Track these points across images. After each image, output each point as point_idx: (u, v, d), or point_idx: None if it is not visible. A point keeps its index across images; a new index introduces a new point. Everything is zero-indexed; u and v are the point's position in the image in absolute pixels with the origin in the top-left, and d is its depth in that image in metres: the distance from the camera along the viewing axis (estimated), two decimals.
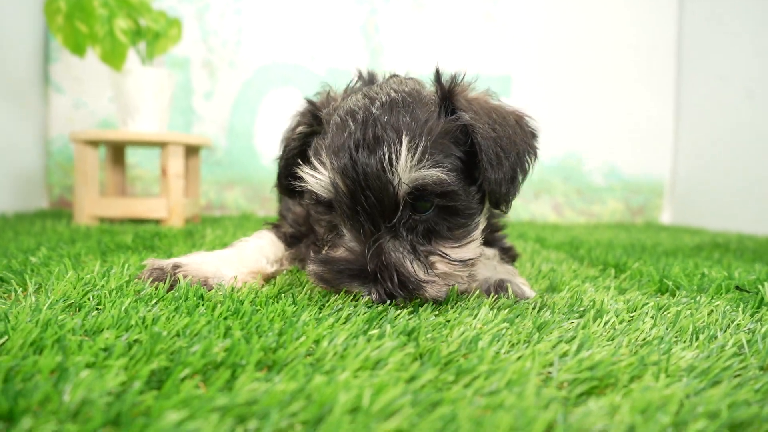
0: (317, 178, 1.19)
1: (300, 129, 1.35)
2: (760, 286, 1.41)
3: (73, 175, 3.50)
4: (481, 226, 1.29)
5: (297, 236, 1.63)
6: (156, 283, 1.24)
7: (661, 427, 0.66)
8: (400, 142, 1.12)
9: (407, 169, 1.12)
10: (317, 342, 0.92)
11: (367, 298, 1.15)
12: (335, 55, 4.06)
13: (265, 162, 4.09)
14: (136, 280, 1.28)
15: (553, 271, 1.72)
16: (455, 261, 1.21)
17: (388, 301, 1.15)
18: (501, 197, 1.23)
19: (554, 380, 0.80)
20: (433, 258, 1.19)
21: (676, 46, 4.44)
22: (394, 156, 1.12)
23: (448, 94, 1.24)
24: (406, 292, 1.13)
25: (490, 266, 1.40)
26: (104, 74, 3.75)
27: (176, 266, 1.28)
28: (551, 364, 0.86)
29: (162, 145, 2.93)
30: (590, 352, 0.89)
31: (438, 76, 1.29)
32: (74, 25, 2.74)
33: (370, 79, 1.43)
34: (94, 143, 2.91)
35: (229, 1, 4.01)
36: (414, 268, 1.14)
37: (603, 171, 4.47)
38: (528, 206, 4.41)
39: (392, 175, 1.12)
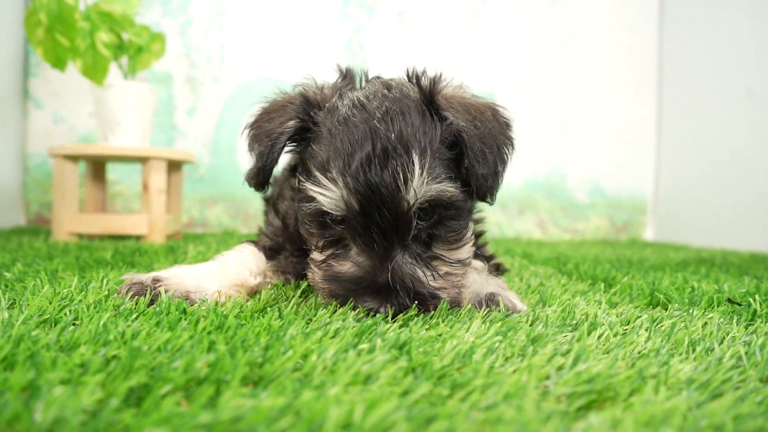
0: (328, 196, 1.18)
1: (292, 123, 1.30)
2: (750, 299, 1.40)
3: (52, 191, 3.43)
4: (471, 227, 1.34)
5: (275, 248, 1.60)
6: (136, 297, 1.19)
7: None
8: (411, 160, 1.14)
9: (422, 185, 1.15)
10: (305, 356, 0.89)
11: (382, 312, 1.15)
12: (320, 72, 4.04)
13: None
14: (115, 295, 1.23)
15: (543, 285, 1.70)
16: (454, 262, 1.26)
17: (384, 314, 1.15)
18: (487, 190, 1.27)
19: (552, 394, 0.77)
20: (435, 262, 1.23)
21: (657, 63, 4.51)
22: (408, 173, 1.14)
23: (430, 96, 1.26)
24: (422, 304, 1.17)
25: (480, 279, 1.38)
26: (84, 89, 3.69)
27: (156, 280, 1.24)
28: (548, 377, 0.84)
29: (144, 160, 2.88)
30: (587, 365, 0.87)
31: (418, 79, 1.32)
32: (55, 39, 2.69)
33: (348, 75, 1.44)
34: (74, 158, 2.85)
35: (213, 17, 3.99)
36: (427, 279, 1.19)
37: (587, 188, 4.49)
38: (513, 223, 4.41)
39: (407, 192, 1.14)
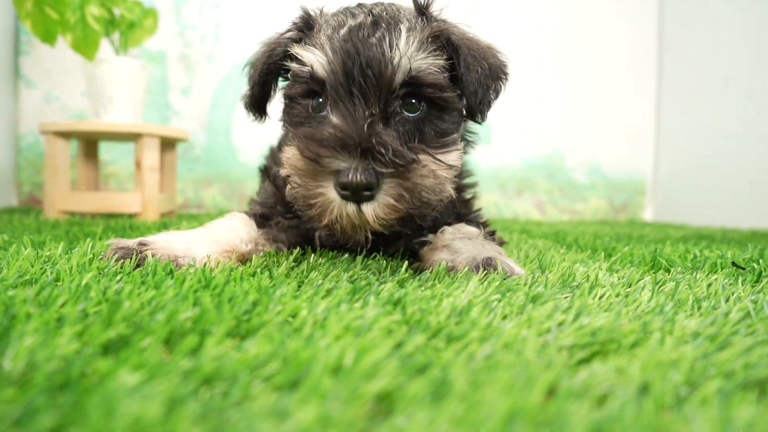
0: (314, 56, 1.17)
1: (290, 34, 1.30)
2: (755, 264, 1.37)
3: (44, 170, 3.37)
4: (461, 141, 1.31)
5: (266, 215, 1.56)
6: (121, 261, 1.15)
7: (675, 384, 0.60)
8: (399, 30, 1.17)
9: (408, 53, 1.15)
10: (295, 314, 0.85)
11: (353, 180, 1.04)
12: None
13: (243, 158, 4.00)
14: (100, 258, 1.19)
15: (541, 254, 1.66)
16: (441, 161, 1.19)
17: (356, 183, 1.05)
18: (476, 105, 1.27)
19: (553, 346, 0.74)
20: (421, 155, 1.14)
21: (657, 43, 4.45)
22: (394, 41, 1.15)
23: (423, 9, 1.31)
24: (395, 166, 1.06)
25: (476, 244, 1.34)
26: (77, 67, 3.63)
27: (142, 244, 1.20)
28: (548, 331, 0.80)
29: (136, 137, 2.83)
30: (589, 320, 0.83)
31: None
32: (44, 11, 2.63)
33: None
34: (65, 135, 2.80)
35: None
36: (404, 150, 1.10)
37: (586, 169, 4.45)
38: (511, 204, 4.37)
39: (393, 54, 1.13)
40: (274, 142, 2.16)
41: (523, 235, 2.45)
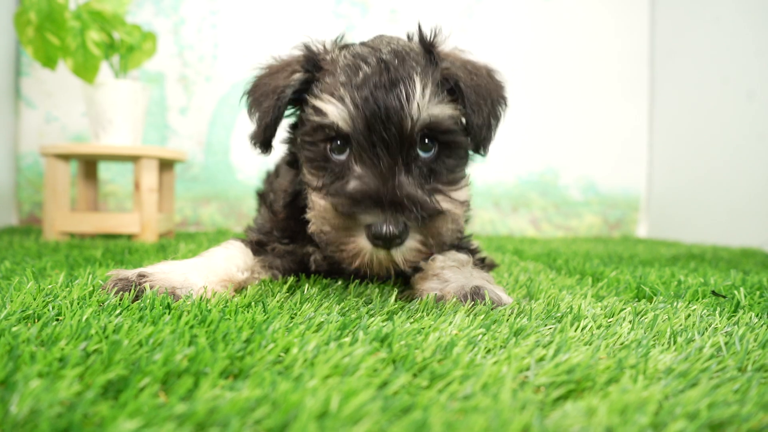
0: (336, 111, 1.23)
1: (297, 76, 1.34)
2: (735, 291, 1.41)
3: (43, 190, 3.42)
4: (469, 176, 1.39)
5: (262, 242, 1.61)
6: (120, 293, 1.19)
7: (640, 428, 0.64)
8: (414, 83, 1.23)
9: (425, 105, 1.23)
10: (287, 350, 0.89)
11: (385, 232, 1.13)
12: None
13: (242, 177, 4.04)
14: (101, 290, 1.23)
15: (531, 280, 1.70)
16: (454, 199, 1.29)
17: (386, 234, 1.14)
18: (481, 141, 1.35)
19: (531, 384, 0.78)
20: (437, 196, 1.26)
21: (649, 61, 4.51)
22: (411, 93, 1.21)
23: (430, 47, 1.36)
24: (429, 218, 1.17)
25: (465, 272, 1.38)
26: (76, 88, 3.68)
27: (141, 276, 1.24)
28: (528, 368, 0.84)
29: (135, 158, 2.88)
30: (567, 356, 0.87)
31: (421, 32, 1.41)
32: (45, 38, 2.69)
33: (343, 37, 1.49)
34: (65, 157, 2.85)
35: (206, 16, 3.98)
36: (429, 199, 1.21)
37: (580, 185, 4.50)
38: (506, 220, 4.42)
39: (410, 109, 1.21)
40: (271, 167, 2.21)
41: (515, 256, 2.50)
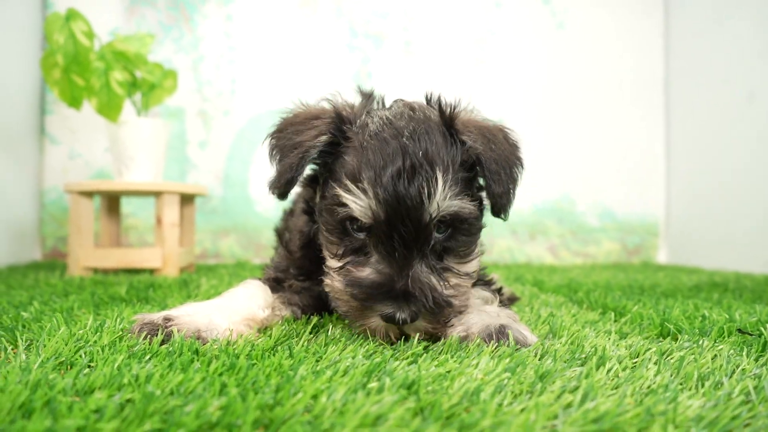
0: (359, 204, 1.26)
1: (324, 138, 1.37)
2: (762, 328, 1.40)
3: (67, 225, 3.49)
4: (480, 244, 1.44)
5: (280, 279, 1.66)
6: (148, 337, 1.22)
7: None
8: (435, 176, 1.25)
9: (444, 199, 1.26)
10: (315, 397, 0.90)
11: (398, 317, 1.23)
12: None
13: (260, 209, 4.09)
14: (129, 335, 1.26)
15: (553, 315, 1.70)
16: (463, 274, 1.35)
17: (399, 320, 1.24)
18: (501, 207, 1.38)
19: None
20: (446, 273, 1.32)
21: (663, 85, 4.52)
22: (432, 188, 1.24)
23: (450, 121, 1.37)
24: (438, 309, 1.25)
25: (491, 312, 1.39)
26: (99, 125, 3.77)
27: (167, 319, 1.26)
28: (555, 417, 0.84)
29: (157, 194, 2.93)
30: (595, 403, 0.87)
31: (440, 105, 1.43)
32: (71, 79, 2.77)
33: (370, 97, 1.52)
34: (89, 194, 2.91)
35: (224, 52, 4.08)
36: (441, 288, 1.27)
37: (597, 212, 4.48)
38: (524, 248, 4.41)
39: (430, 206, 1.24)
40: (287, 205, 2.24)
41: (535, 288, 2.49)
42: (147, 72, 2.99)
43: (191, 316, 1.31)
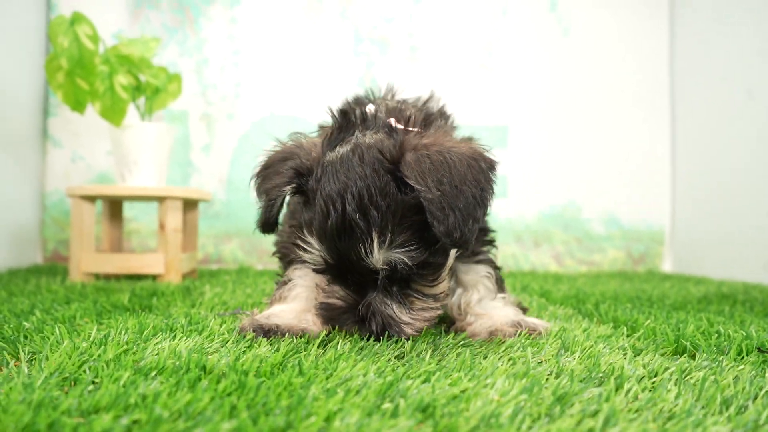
0: (312, 254, 1.41)
1: (287, 189, 1.48)
2: None
3: (68, 229, 3.46)
4: (450, 263, 1.50)
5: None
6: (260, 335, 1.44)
7: None
8: (371, 236, 1.31)
9: (380, 256, 1.33)
10: (328, 420, 0.87)
11: (366, 335, 1.41)
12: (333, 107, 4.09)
13: None
14: (236, 333, 1.48)
15: (563, 329, 1.67)
16: (429, 297, 1.45)
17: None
18: (456, 242, 1.32)
19: None
20: (410, 298, 1.43)
21: (669, 92, 4.49)
22: (368, 248, 1.31)
23: (396, 164, 1.35)
24: (391, 333, 1.40)
25: (502, 312, 1.62)
26: (102, 128, 3.74)
27: (269, 318, 1.54)
28: None
29: (160, 199, 2.91)
30: (617, 430, 0.84)
31: (382, 151, 1.38)
32: (75, 82, 2.74)
33: (343, 119, 1.60)
34: (91, 198, 2.88)
35: (228, 56, 4.05)
36: (397, 313, 1.40)
37: (602, 219, 4.45)
38: (528, 255, 4.37)
39: (371, 260, 1.33)
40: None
41: (543, 299, 2.46)
42: (151, 76, 2.96)
43: (287, 314, 1.56)
